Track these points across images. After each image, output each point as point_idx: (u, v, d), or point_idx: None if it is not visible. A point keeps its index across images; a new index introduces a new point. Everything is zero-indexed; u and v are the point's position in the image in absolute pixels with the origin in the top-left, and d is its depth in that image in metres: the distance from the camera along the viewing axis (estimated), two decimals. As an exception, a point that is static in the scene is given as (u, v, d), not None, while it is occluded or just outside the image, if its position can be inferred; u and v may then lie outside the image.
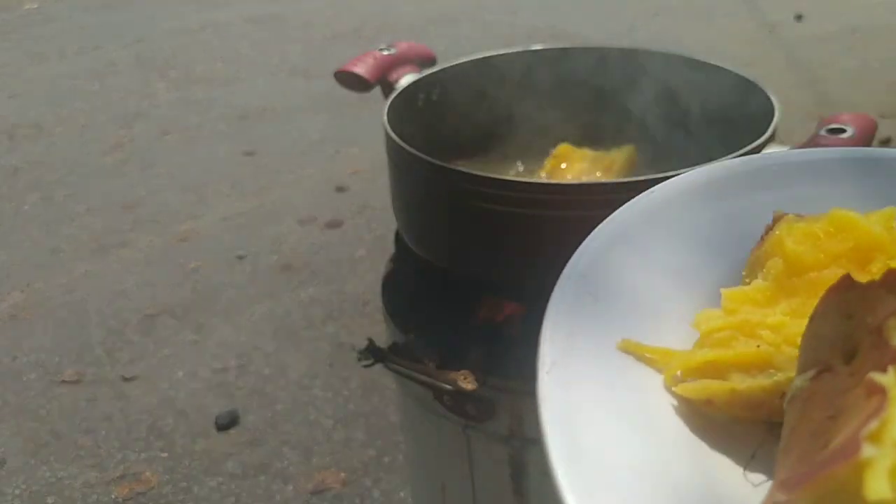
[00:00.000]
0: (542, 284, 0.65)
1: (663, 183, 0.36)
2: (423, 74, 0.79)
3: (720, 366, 0.29)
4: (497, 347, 0.65)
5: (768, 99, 0.68)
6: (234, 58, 3.25)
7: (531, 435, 0.67)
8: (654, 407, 0.28)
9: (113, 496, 1.26)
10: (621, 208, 0.35)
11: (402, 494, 1.24)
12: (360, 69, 0.78)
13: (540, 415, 0.26)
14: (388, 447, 1.33)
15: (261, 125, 2.61)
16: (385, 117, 0.69)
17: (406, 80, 0.78)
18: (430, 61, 0.83)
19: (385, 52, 0.80)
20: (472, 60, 0.82)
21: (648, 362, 0.30)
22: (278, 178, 2.27)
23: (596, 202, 0.60)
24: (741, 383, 0.29)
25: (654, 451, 0.26)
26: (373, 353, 0.67)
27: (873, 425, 0.21)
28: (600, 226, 0.34)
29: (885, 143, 2.17)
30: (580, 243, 0.65)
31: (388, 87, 0.78)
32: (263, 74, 3.06)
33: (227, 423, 1.39)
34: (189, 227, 2.04)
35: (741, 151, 0.61)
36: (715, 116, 0.76)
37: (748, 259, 0.33)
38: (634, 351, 0.30)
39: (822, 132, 0.61)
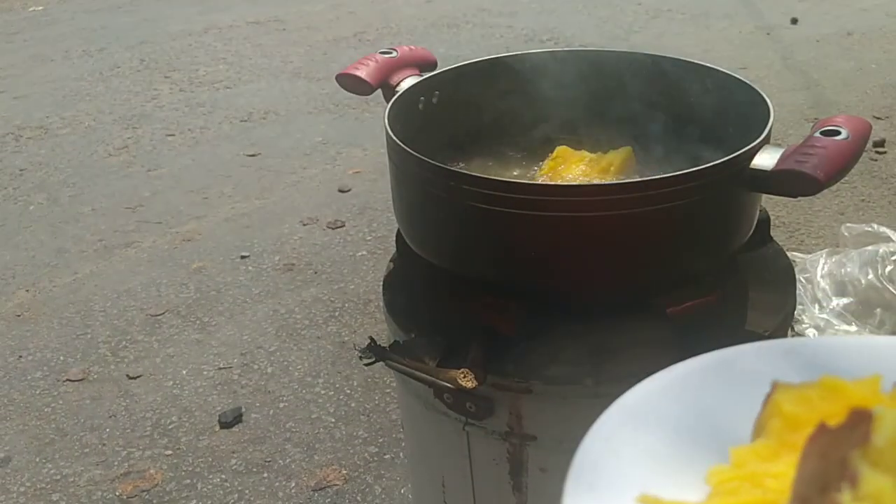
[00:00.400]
0: (540, 284, 0.66)
1: (683, 362, 0.41)
2: (424, 78, 0.80)
3: None
4: (497, 346, 0.66)
5: (764, 101, 0.69)
6: (237, 60, 3.26)
7: (530, 432, 0.68)
8: None
9: (117, 493, 1.28)
10: (640, 383, 0.40)
11: (402, 491, 1.26)
12: (362, 72, 0.79)
13: None
14: (389, 444, 1.35)
15: (264, 127, 2.63)
16: (386, 120, 0.70)
17: (407, 83, 0.79)
18: (431, 65, 0.84)
19: (386, 56, 0.81)
20: (472, 64, 0.83)
21: None
22: (281, 179, 2.28)
23: (594, 203, 0.61)
24: None
25: None
26: (374, 351, 0.68)
27: None
28: (622, 397, 0.38)
29: (880, 144, 2.18)
30: (579, 243, 0.67)
31: (389, 90, 0.79)
32: (266, 77, 3.07)
33: (230, 420, 1.41)
34: (193, 228, 2.05)
35: (737, 154, 0.62)
36: (711, 119, 0.78)
37: (754, 425, 0.37)
38: None
39: (817, 134, 0.62)
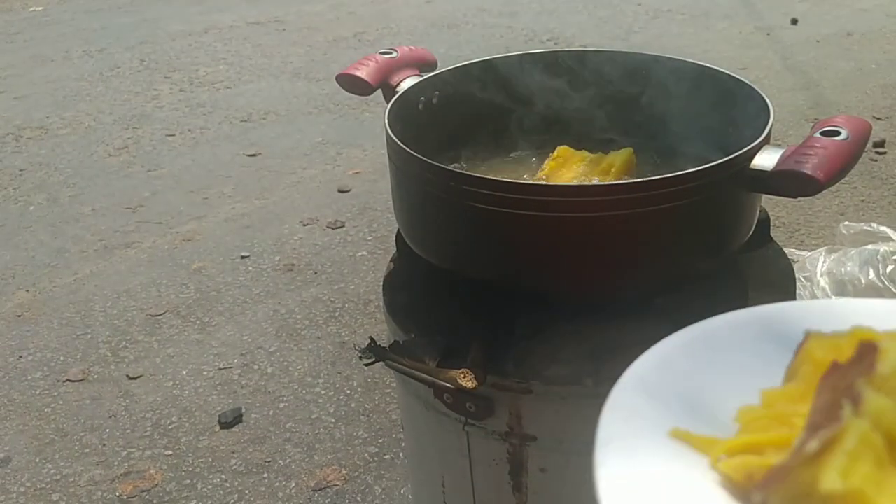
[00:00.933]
0: (540, 284, 0.66)
1: (719, 316, 0.43)
2: (424, 78, 0.80)
3: (758, 446, 0.34)
4: (497, 346, 0.66)
5: (764, 101, 0.69)
6: (237, 61, 3.26)
7: (530, 432, 0.68)
8: (699, 480, 0.33)
9: (117, 493, 1.28)
10: (675, 333, 0.41)
11: (402, 491, 1.26)
12: (362, 73, 0.79)
13: (596, 481, 0.31)
14: (389, 444, 1.35)
15: (264, 127, 2.63)
16: (386, 120, 0.71)
17: (407, 83, 0.79)
18: (431, 65, 0.85)
19: (386, 56, 0.81)
20: (472, 64, 0.83)
21: (696, 447, 0.34)
22: (281, 179, 2.28)
23: (594, 204, 0.62)
24: (777, 459, 0.32)
25: None
26: (374, 351, 0.68)
27: (826, 434, 0.27)
28: (656, 345, 0.40)
29: (880, 144, 2.18)
30: (579, 244, 0.67)
31: (389, 91, 0.79)
32: (266, 77, 3.07)
33: (230, 420, 1.41)
34: (193, 228, 2.05)
35: (737, 154, 0.62)
36: (711, 119, 0.78)
37: (786, 371, 0.39)
38: (683, 438, 0.34)
39: (817, 134, 0.62)
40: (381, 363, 0.68)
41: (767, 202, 0.73)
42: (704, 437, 0.34)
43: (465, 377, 0.63)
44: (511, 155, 0.84)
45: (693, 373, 0.38)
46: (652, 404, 0.36)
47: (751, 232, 0.69)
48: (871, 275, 1.23)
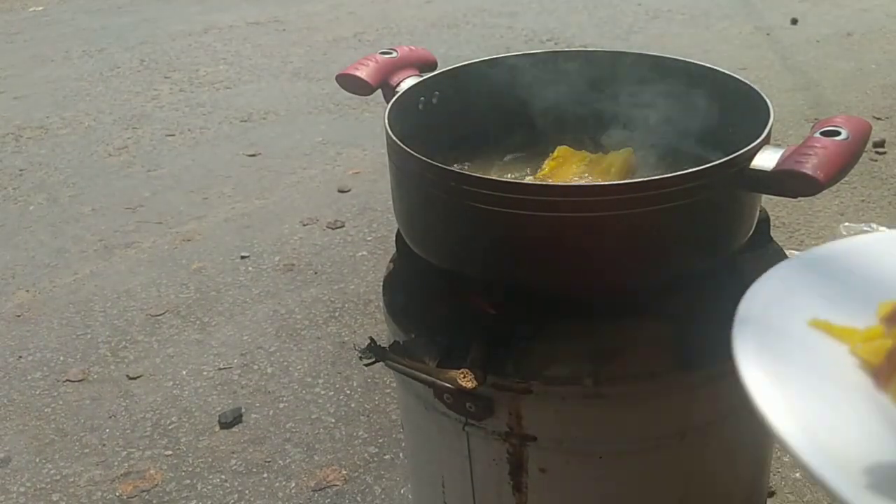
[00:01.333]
0: (540, 283, 0.66)
1: (875, 233, 0.45)
2: (424, 78, 0.80)
3: None
4: (497, 346, 0.66)
5: (764, 101, 0.69)
6: (237, 60, 3.26)
7: (530, 432, 0.68)
8: (836, 363, 0.33)
9: (117, 493, 1.28)
10: (825, 244, 0.43)
11: (402, 491, 1.26)
12: (362, 73, 0.79)
13: (735, 353, 0.32)
14: (389, 444, 1.35)
15: (264, 127, 2.63)
16: (386, 120, 0.71)
17: (407, 83, 0.79)
18: (431, 65, 0.85)
19: (386, 56, 0.81)
20: (472, 64, 0.83)
21: (835, 336, 0.35)
22: (281, 179, 2.29)
23: (594, 204, 0.62)
24: None
25: (838, 388, 0.32)
26: (374, 351, 0.68)
27: None
28: (801, 253, 0.42)
29: (880, 144, 2.18)
30: (579, 244, 0.67)
31: (389, 91, 0.79)
32: (266, 77, 3.07)
33: (230, 420, 1.41)
34: (193, 228, 2.06)
35: (737, 154, 0.62)
36: (711, 119, 0.78)
37: None
38: (823, 327, 0.35)
39: (817, 134, 0.62)
40: (381, 363, 0.68)
41: (767, 202, 0.73)
42: (843, 326, 0.35)
43: (465, 377, 0.63)
44: (511, 155, 0.84)
45: (836, 275, 0.39)
46: (792, 296, 0.37)
47: (751, 232, 0.69)
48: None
